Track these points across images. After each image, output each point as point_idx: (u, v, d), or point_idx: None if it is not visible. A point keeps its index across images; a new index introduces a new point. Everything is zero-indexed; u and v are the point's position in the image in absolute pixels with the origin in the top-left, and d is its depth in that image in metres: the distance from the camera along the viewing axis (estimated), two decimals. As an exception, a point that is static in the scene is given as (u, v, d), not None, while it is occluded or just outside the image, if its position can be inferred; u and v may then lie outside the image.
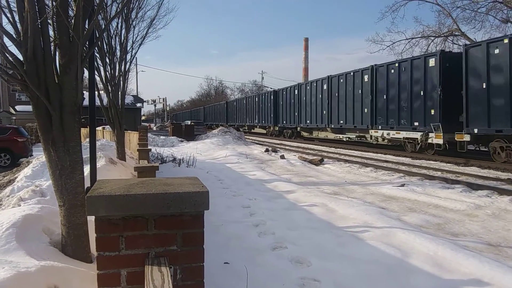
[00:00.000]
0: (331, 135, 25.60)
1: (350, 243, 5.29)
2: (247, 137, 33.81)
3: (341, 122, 23.57)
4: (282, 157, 17.21)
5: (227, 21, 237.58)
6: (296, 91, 30.09)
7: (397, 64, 18.64)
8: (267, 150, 20.77)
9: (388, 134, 19.20)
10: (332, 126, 24.82)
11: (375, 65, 20.21)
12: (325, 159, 16.05)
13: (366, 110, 20.90)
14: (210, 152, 20.95)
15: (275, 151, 20.80)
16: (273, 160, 16.66)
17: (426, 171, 12.56)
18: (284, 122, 32.67)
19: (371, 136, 20.69)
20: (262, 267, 4.45)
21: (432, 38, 28.68)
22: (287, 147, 23.26)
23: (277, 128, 34.66)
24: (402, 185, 9.87)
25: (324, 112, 25.43)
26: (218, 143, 25.70)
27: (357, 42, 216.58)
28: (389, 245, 5.14)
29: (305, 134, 29.67)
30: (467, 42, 22.32)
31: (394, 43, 29.84)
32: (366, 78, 20.91)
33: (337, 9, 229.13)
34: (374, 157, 17.29)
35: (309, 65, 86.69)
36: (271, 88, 43.76)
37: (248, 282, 3.88)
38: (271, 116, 34.98)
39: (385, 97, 19.26)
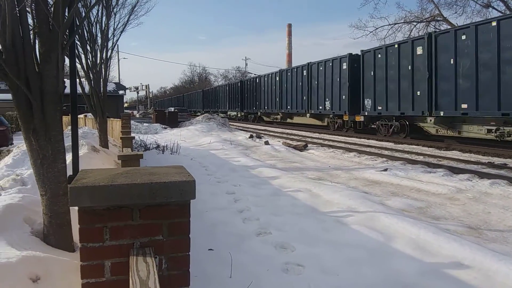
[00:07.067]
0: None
1: (334, 228, 5.35)
2: (231, 123, 33.87)
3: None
4: (267, 143, 17.23)
5: (212, 3, 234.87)
6: (225, 87, 46.12)
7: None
8: (251, 136, 20.77)
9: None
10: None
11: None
12: (309, 145, 16.14)
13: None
14: (194, 138, 20.86)
15: (259, 137, 20.81)
16: (257, 146, 16.67)
17: (409, 156, 12.73)
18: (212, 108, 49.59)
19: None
20: (246, 252, 4.47)
21: (415, 23, 28.86)
22: (271, 133, 23.29)
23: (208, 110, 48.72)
24: (385, 170, 9.98)
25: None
26: (202, 129, 25.59)
27: (344, 27, 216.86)
28: (372, 229, 5.21)
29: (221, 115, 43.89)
30: (448, 27, 22.45)
31: (377, 28, 30.13)
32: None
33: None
34: (357, 142, 17.45)
35: (296, 50, 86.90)
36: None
37: (232, 268, 3.90)
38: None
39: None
